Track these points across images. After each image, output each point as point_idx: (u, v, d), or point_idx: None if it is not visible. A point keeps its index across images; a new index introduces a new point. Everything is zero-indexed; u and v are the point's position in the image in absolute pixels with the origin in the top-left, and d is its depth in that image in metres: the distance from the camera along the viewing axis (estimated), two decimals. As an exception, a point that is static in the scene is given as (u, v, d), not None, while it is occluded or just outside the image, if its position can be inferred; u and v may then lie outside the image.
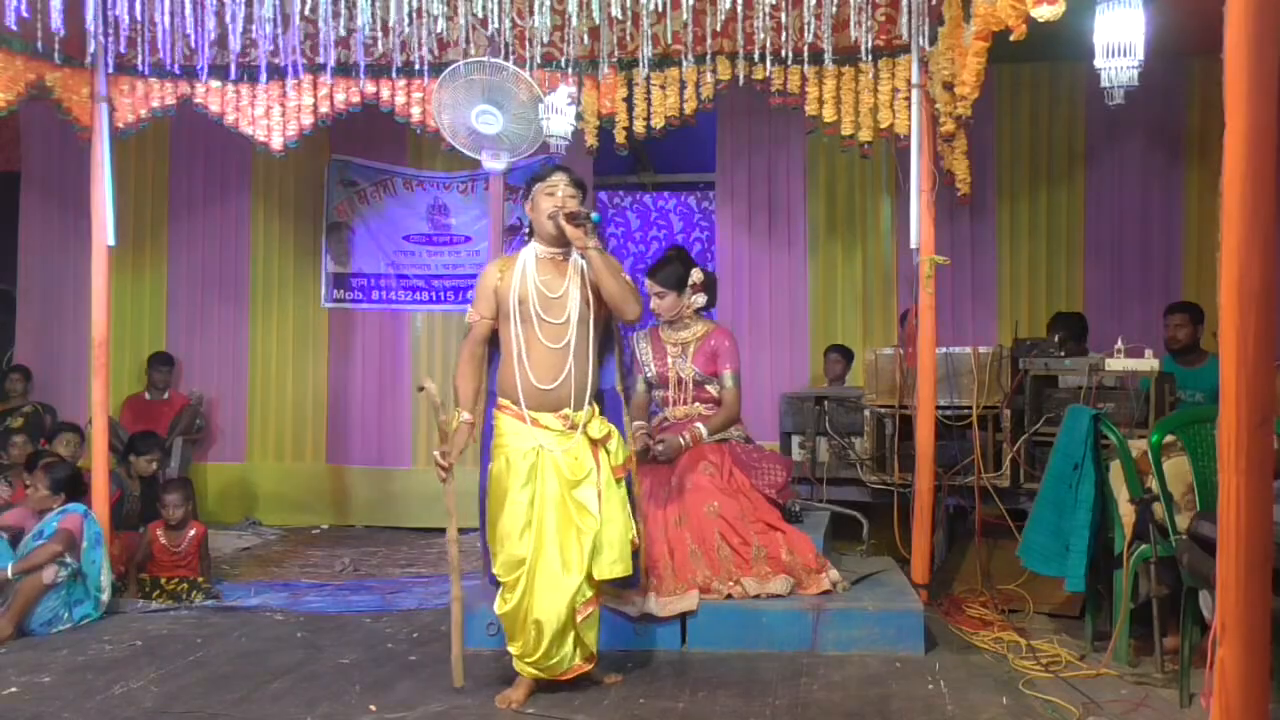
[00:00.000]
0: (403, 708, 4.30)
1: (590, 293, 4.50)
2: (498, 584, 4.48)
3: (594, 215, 4.44)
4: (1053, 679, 4.57)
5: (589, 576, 4.37)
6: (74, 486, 5.99)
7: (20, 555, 5.56)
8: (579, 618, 4.37)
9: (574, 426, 4.44)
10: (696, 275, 5.82)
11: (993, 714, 4.19)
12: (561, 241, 4.49)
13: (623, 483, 4.55)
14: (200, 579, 6.35)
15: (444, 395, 4.60)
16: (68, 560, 5.54)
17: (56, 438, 7.26)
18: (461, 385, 4.54)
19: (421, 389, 4.53)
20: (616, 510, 4.47)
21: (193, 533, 6.42)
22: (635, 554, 4.59)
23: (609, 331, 4.71)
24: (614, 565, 4.42)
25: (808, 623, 5.04)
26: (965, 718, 4.15)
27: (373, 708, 4.30)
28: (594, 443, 4.48)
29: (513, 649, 4.41)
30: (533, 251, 4.56)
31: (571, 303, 4.47)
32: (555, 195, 4.47)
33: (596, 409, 4.55)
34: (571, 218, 4.40)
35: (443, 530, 8.46)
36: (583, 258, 4.49)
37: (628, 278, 4.57)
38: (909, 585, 5.57)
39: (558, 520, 4.38)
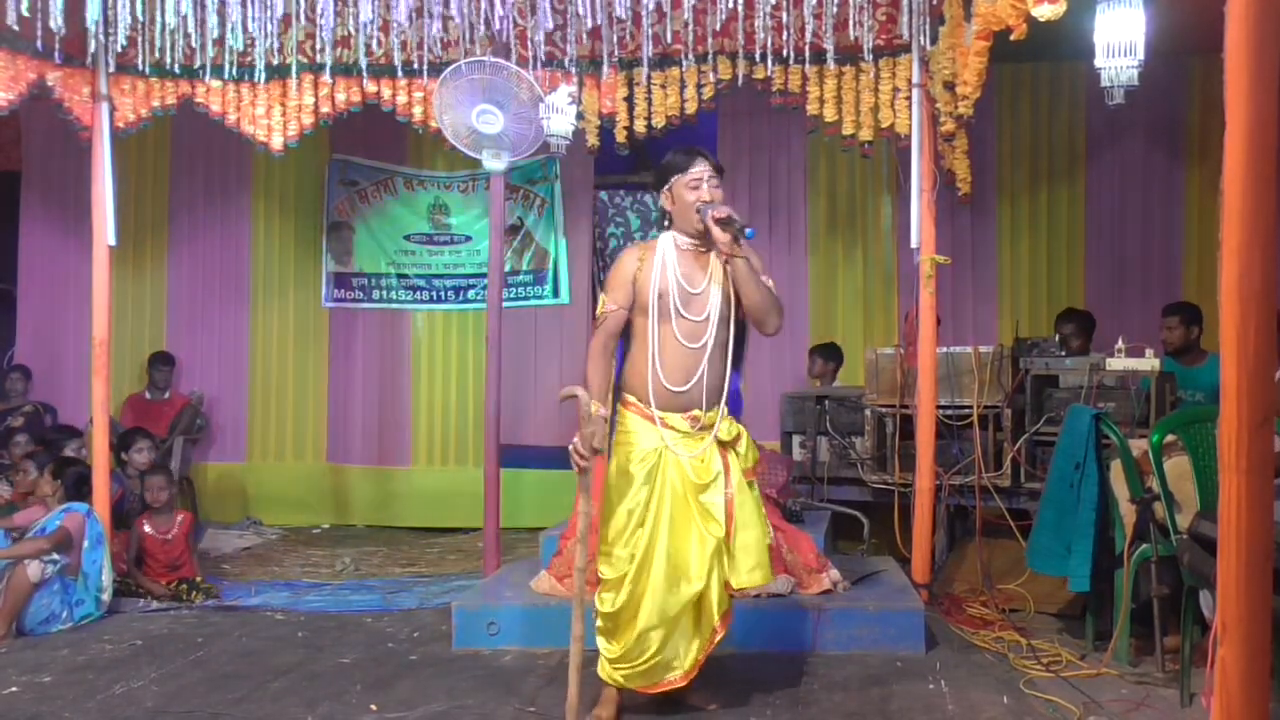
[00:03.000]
0: (403, 707, 4.30)
1: (733, 290, 4.13)
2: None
3: (749, 231, 4.04)
4: (1054, 678, 4.57)
5: (725, 585, 4.08)
6: (80, 483, 6.01)
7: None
8: (717, 635, 4.14)
9: (703, 428, 4.11)
10: None
11: (993, 713, 4.18)
12: (706, 234, 4.11)
13: (754, 485, 4.23)
14: (199, 578, 6.37)
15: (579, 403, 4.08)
16: (56, 558, 5.53)
17: (61, 446, 7.21)
18: (593, 378, 4.07)
19: (571, 397, 3.99)
20: (752, 514, 4.13)
21: (180, 518, 6.47)
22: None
23: (745, 332, 4.30)
24: (753, 573, 4.09)
25: (808, 622, 5.04)
26: (966, 717, 4.15)
27: (373, 707, 4.30)
28: (722, 445, 4.15)
29: (608, 651, 4.09)
30: (672, 241, 4.18)
31: (712, 300, 4.12)
32: (701, 189, 4.10)
33: (725, 409, 4.21)
34: (724, 223, 4.01)
35: (443, 530, 8.58)
36: (728, 263, 4.10)
37: (772, 285, 4.19)
38: (909, 585, 5.58)
39: (674, 523, 4.05)
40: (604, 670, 4.11)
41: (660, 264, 4.13)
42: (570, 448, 3.96)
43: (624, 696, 4.16)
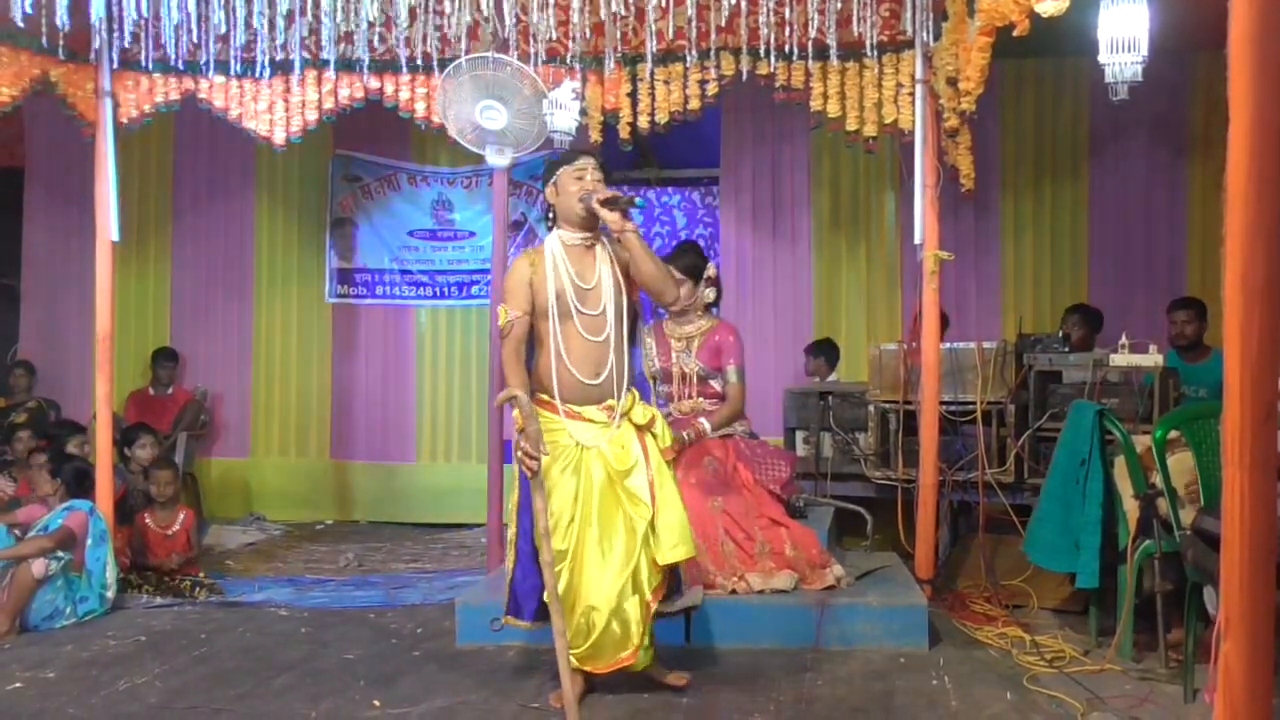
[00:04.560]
0: (406, 703, 4.31)
1: (621, 278, 4.41)
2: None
3: (638, 200, 4.31)
4: (1057, 674, 4.57)
5: (653, 563, 4.28)
6: (84, 483, 6.01)
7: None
8: (650, 609, 4.30)
9: (619, 415, 4.34)
10: (711, 269, 5.85)
11: (997, 709, 4.18)
12: (589, 226, 4.38)
13: (671, 464, 4.47)
14: (201, 575, 6.38)
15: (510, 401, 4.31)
16: (60, 554, 5.54)
17: (65, 440, 7.20)
18: (514, 381, 4.31)
19: (513, 398, 4.17)
20: (672, 493, 4.35)
21: (183, 515, 6.50)
22: None
23: (635, 316, 4.63)
24: (676, 549, 4.29)
25: (811, 618, 5.04)
26: (969, 713, 4.15)
27: (377, 703, 4.31)
28: (639, 429, 4.38)
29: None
30: (558, 240, 4.42)
31: (606, 292, 4.37)
32: (584, 179, 4.36)
33: (636, 394, 4.46)
34: (609, 202, 4.28)
35: (445, 526, 8.60)
36: (620, 240, 4.35)
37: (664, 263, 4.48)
38: (913, 581, 5.57)
39: (602, 512, 4.28)
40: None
41: (552, 265, 4.36)
42: (519, 451, 4.14)
43: (589, 677, 4.35)
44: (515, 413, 4.19)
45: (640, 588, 4.28)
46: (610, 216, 4.28)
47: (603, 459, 4.30)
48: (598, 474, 4.30)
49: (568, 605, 4.22)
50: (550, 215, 4.50)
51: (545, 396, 4.36)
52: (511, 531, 4.43)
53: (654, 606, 4.32)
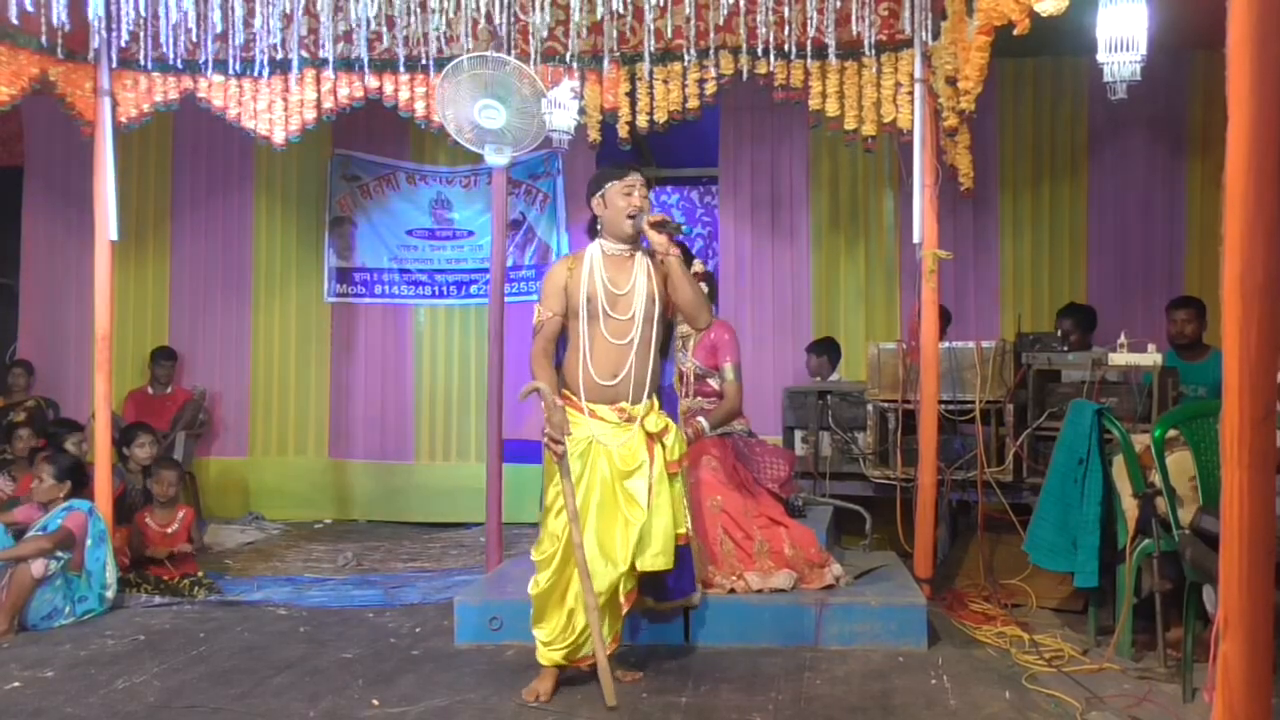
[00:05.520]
0: (405, 702, 4.30)
1: (656, 289, 4.53)
2: None
3: (683, 226, 4.50)
4: (1056, 673, 4.57)
5: (632, 568, 4.40)
6: (78, 477, 6.00)
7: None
8: (625, 608, 4.46)
9: (630, 419, 4.48)
10: (698, 266, 5.84)
11: (995, 709, 4.18)
12: (633, 239, 4.54)
13: (677, 478, 4.58)
14: (200, 574, 6.38)
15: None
16: (59, 554, 5.53)
17: (62, 439, 7.20)
18: (540, 379, 4.49)
19: (535, 391, 4.42)
20: (666, 504, 4.49)
21: (182, 513, 6.51)
22: (684, 548, 4.64)
23: (671, 329, 4.79)
24: (657, 558, 4.44)
25: (810, 617, 5.04)
26: (968, 712, 4.15)
27: (375, 702, 4.31)
28: (650, 436, 4.51)
29: (539, 634, 4.41)
30: (599, 248, 4.58)
31: (637, 299, 4.50)
32: (633, 196, 4.50)
33: (655, 403, 4.60)
34: (658, 225, 4.45)
35: (444, 525, 8.60)
36: (663, 264, 4.50)
37: (700, 285, 4.61)
38: (912, 580, 5.57)
39: (602, 507, 4.40)
40: (541, 655, 4.41)
41: (588, 270, 4.53)
42: (544, 438, 4.38)
43: (562, 672, 4.43)
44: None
45: (619, 588, 4.41)
46: (658, 239, 4.45)
47: (609, 457, 4.44)
48: (603, 470, 4.43)
49: (555, 601, 4.40)
50: (596, 225, 4.65)
51: (568, 392, 4.54)
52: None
53: (626, 608, 4.48)
